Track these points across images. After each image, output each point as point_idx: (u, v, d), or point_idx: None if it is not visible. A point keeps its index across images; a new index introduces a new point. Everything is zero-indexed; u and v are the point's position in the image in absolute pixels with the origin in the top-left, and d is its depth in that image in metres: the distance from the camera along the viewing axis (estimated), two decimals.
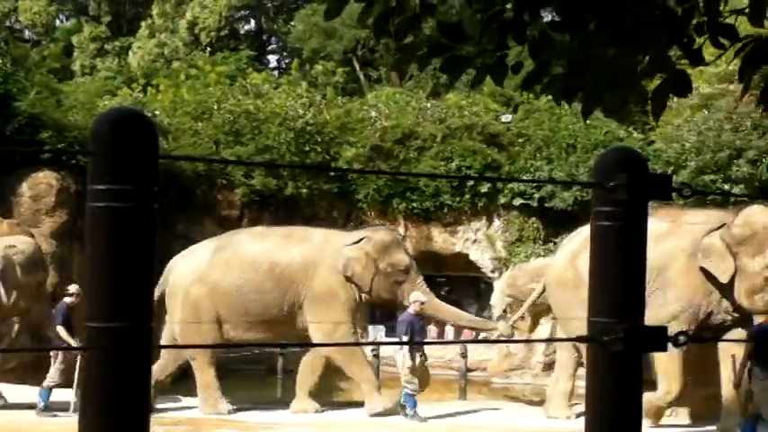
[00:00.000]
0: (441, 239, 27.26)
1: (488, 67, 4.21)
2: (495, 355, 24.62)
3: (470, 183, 26.19)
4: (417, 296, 16.48)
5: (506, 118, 29.04)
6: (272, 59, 52.01)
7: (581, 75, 3.99)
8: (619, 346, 2.40)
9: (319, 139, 27.27)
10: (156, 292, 17.65)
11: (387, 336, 23.70)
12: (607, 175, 2.45)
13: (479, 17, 4.16)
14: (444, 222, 27.02)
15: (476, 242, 27.07)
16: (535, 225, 26.19)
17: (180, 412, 16.62)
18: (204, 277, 17.12)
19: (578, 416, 15.79)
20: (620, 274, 2.47)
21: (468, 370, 21.70)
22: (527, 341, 23.15)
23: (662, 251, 15.30)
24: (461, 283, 29.53)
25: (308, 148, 27.00)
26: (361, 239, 17.24)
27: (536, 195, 25.75)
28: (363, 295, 17.04)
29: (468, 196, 26.51)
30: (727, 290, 15.05)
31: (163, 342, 17.08)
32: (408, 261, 17.42)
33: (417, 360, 16.27)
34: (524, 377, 24.17)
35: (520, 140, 27.73)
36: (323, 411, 17.00)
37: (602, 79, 3.96)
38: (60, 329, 16.12)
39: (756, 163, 23.02)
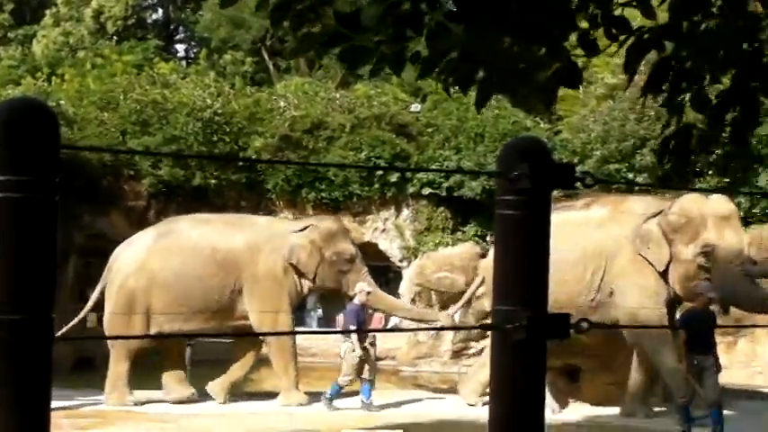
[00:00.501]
0: (350, 229, 27.26)
1: (387, 57, 4.22)
2: (403, 343, 24.70)
3: (379, 172, 26.23)
4: (363, 286, 16.44)
5: (415, 108, 29.14)
6: (180, 49, 51.56)
7: (474, 64, 4.02)
8: (522, 334, 2.42)
9: (228, 129, 27.09)
10: (101, 284, 17.51)
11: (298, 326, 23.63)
12: (510, 165, 2.47)
13: (377, 7, 4.17)
14: (353, 212, 27.02)
15: (385, 231, 27.13)
16: (444, 214, 26.32)
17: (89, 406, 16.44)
18: (144, 266, 16.90)
19: (485, 404, 15.94)
20: (523, 262, 2.50)
21: (377, 359, 21.74)
22: (437, 329, 23.28)
23: (606, 237, 15.49)
24: (370, 272, 29.53)
25: (216, 138, 26.80)
26: (307, 227, 17.10)
27: (444, 185, 25.88)
28: (307, 284, 16.94)
29: (377, 186, 26.56)
30: (664, 277, 15.24)
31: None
32: (354, 250, 17.31)
33: (362, 350, 16.19)
34: (432, 365, 24.30)
35: (428, 130, 27.85)
36: (234, 401, 16.91)
37: (495, 69, 4.00)
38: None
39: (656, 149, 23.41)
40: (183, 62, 45.83)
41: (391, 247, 27.16)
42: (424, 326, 19.44)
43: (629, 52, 3.97)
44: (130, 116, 27.30)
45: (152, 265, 16.87)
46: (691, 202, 15.34)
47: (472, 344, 23.58)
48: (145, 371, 17.34)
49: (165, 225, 18.16)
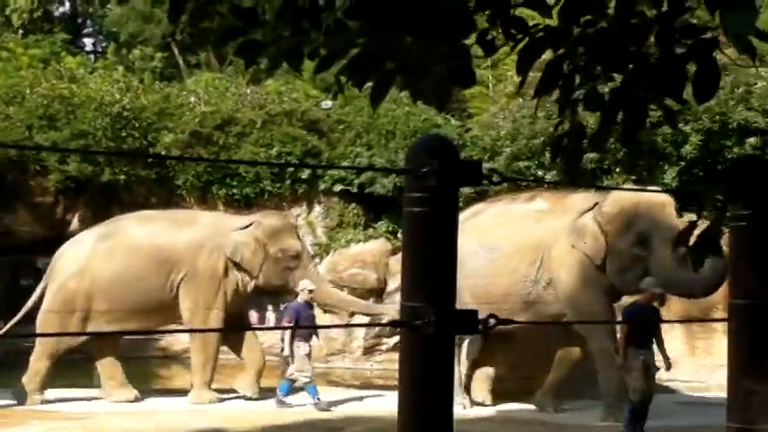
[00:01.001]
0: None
1: (285, 52, 4.22)
2: (315, 339, 24.67)
3: (291, 169, 26.18)
4: (306, 284, 16.15)
5: (326, 104, 29.09)
6: (88, 43, 50.81)
7: (370, 62, 4.03)
8: (430, 330, 2.44)
9: (137, 125, 26.79)
10: (43, 283, 17.23)
11: None
12: (418, 163, 2.49)
13: (275, 2, 4.17)
14: (264, 208, 26.89)
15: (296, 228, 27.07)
16: (355, 211, 26.34)
17: None
18: (85, 269, 16.64)
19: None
20: (430, 259, 2.52)
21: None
22: (348, 326, 23.32)
23: (544, 230, 15.50)
24: None
25: (125, 134, 26.49)
26: (251, 224, 16.88)
27: (356, 181, 25.90)
28: (252, 282, 16.74)
29: (288, 182, 26.48)
30: (602, 270, 15.09)
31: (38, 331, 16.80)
32: (300, 247, 17.11)
33: (308, 348, 16.06)
34: (345, 361, 24.33)
35: (340, 127, 27.84)
36: (141, 399, 16.76)
37: (391, 67, 4.02)
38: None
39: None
40: (91, 56, 45.20)
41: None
42: (364, 320, 19.50)
43: (520, 54, 4.01)
44: (37, 111, 26.86)
45: (94, 266, 16.64)
46: (623, 194, 15.28)
47: (384, 340, 23.66)
48: (66, 369, 17.16)
49: (111, 223, 17.90)
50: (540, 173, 24.19)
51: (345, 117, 28.15)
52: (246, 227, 16.78)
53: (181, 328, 17.30)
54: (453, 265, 2.56)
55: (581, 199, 15.73)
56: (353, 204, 26.33)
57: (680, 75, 3.51)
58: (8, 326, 16.86)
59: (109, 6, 46.82)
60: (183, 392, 17.02)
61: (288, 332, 15.97)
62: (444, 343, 2.51)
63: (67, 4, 50.05)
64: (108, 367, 17.08)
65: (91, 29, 51.37)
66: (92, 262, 16.67)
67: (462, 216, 16.63)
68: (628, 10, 3.54)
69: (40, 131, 26.46)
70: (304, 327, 16.58)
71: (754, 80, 23.24)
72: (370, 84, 4.16)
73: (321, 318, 19.36)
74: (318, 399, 15.95)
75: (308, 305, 16.24)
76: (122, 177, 26.03)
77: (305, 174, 26.30)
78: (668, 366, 13.44)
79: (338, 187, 26.20)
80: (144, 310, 16.55)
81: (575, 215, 15.45)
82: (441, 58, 3.97)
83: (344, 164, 26.57)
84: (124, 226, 17.36)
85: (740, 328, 3.17)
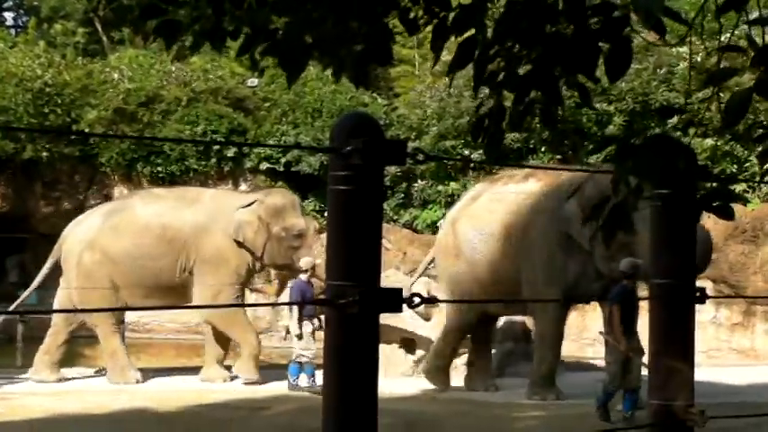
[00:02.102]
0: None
1: (206, 32, 4.19)
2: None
3: (216, 147, 26.04)
4: (307, 261, 15.77)
5: (252, 82, 28.95)
6: (9, 17, 49.90)
7: (290, 41, 4.02)
8: (354, 309, 2.45)
9: (59, 101, 26.47)
10: (50, 260, 16.97)
11: None
12: (342, 141, 2.49)
13: None
14: (190, 186, 26.77)
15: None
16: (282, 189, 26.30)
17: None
18: (94, 244, 16.41)
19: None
20: (355, 238, 2.52)
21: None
22: (273, 304, 23.19)
23: (532, 212, 14.94)
24: None
25: (47, 111, 26.15)
26: (253, 202, 16.54)
27: (282, 160, 25.88)
28: (257, 261, 16.50)
29: (213, 160, 26.39)
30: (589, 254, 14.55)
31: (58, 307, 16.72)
32: (303, 225, 16.65)
33: (311, 327, 15.66)
34: (272, 340, 24.27)
35: (266, 105, 27.78)
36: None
37: (304, 44, 4.00)
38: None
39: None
40: (12, 31, 44.40)
41: None
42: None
43: (433, 32, 4.01)
44: None
45: (102, 242, 16.44)
46: (605, 177, 14.81)
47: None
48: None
49: (116, 203, 17.72)
50: (466, 152, 24.34)
51: (271, 95, 28.08)
52: (249, 205, 16.46)
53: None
54: (378, 244, 2.57)
55: (568, 180, 14.98)
56: (280, 183, 26.26)
57: (592, 53, 3.52)
58: (18, 302, 16.80)
59: None
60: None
61: (294, 311, 15.65)
62: (369, 322, 2.52)
63: None
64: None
65: (11, 2, 50.47)
66: (99, 238, 16.51)
67: (463, 201, 16.63)
68: None
69: None
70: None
71: (676, 61, 23.57)
72: (288, 62, 4.15)
73: (247, 296, 19.24)
74: (314, 380, 15.43)
75: (311, 283, 15.72)
76: (45, 155, 25.71)
77: (231, 152, 26.21)
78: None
79: (264, 165, 26.15)
80: (158, 290, 16.32)
81: (561, 198, 14.80)
82: (360, 36, 3.96)
83: (270, 142, 26.51)
84: (130, 204, 17.16)
85: (660, 308, 3.21)
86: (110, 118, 26.45)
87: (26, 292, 17.35)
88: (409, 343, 17.11)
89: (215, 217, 16.49)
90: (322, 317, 15.56)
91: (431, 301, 2.73)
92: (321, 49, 4.03)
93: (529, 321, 17.17)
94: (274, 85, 28.62)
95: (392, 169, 23.91)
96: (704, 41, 4.76)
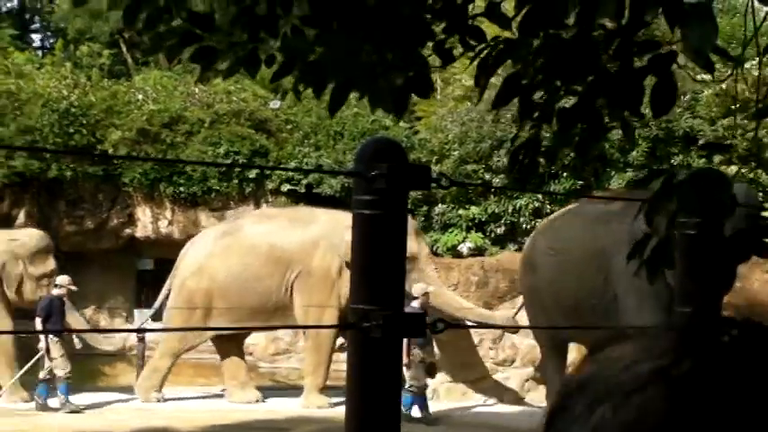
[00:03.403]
0: (208, 224, 26.97)
1: (241, 59, 4.22)
2: (262, 339, 24.63)
3: (238, 168, 26.10)
4: (420, 288, 15.46)
5: (274, 104, 29.02)
6: (36, 39, 50.29)
7: (328, 69, 4.03)
8: (377, 333, 2.46)
9: (84, 122, 26.60)
10: (169, 280, 17.33)
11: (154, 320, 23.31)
12: (367, 165, 2.51)
13: (231, 8, 4.16)
14: (212, 207, 26.82)
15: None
16: None
17: None
18: (203, 268, 16.53)
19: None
20: (379, 262, 2.53)
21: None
22: (293, 327, 23.26)
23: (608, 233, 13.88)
24: None
25: (72, 130, 26.29)
26: None
27: (304, 181, 25.89)
28: None
29: (236, 182, 26.42)
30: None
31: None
32: (416, 249, 16.01)
33: (420, 356, 15.25)
34: (291, 361, 24.28)
35: (288, 127, 27.81)
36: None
37: (349, 75, 4.02)
38: (37, 322, 15.36)
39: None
40: (39, 52, 44.72)
41: None
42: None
43: (479, 67, 4.02)
44: None
45: (212, 265, 16.50)
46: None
47: None
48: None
49: (231, 222, 17.79)
50: (487, 176, 24.32)
51: (293, 117, 28.13)
52: None
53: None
54: (402, 268, 2.58)
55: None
56: (301, 204, 26.29)
57: (638, 88, 3.53)
58: (141, 323, 16.93)
59: (56, 2, 46.38)
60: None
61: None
62: (392, 346, 2.53)
63: (15, 0, 49.54)
64: (231, 367, 16.99)
65: (39, 25, 50.85)
66: (209, 261, 16.57)
67: (552, 216, 16.40)
68: (588, 23, 3.56)
69: None
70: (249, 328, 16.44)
71: (701, 89, 23.53)
72: (323, 90, 4.17)
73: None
74: (411, 410, 15.01)
75: (426, 311, 14.88)
76: (69, 174, 25.84)
77: (253, 173, 26.25)
78: None
79: (286, 187, 26.16)
80: (261, 310, 16.22)
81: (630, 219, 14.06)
82: (398, 66, 3.98)
83: (292, 164, 26.55)
84: (242, 224, 17.19)
85: None
86: (133, 138, 26.55)
87: (149, 311, 17.93)
88: (430, 366, 17.08)
89: (325, 237, 16.20)
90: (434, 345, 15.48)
91: (454, 326, 2.73)
92: (360, 80, 4.04)
93: None
94: (296, 108, 28.68)
95: (413, 193, 23.90)
96: (737, 73, 4.74)
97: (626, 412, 0.82)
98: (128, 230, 26.38)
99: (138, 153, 26.38)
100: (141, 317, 24.00)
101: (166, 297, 17.15)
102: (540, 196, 23.42)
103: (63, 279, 16.12)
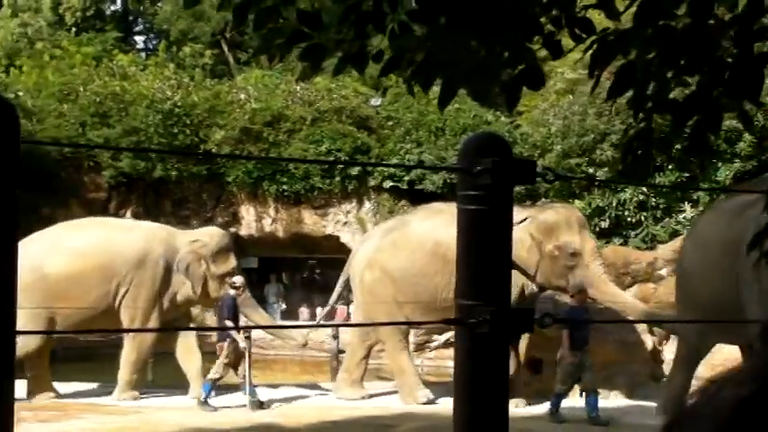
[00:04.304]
0: (311, 221, 27.25)
1: (349, 55, 4.22)
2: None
3: (340, 165, 26.22)
4: (577, 285, 15.05)
5: (375, 101, 29.11)
6: (139, 41, 51.17)
7: (437, 65, 4.02)
8: (485, 329, 2.43)
9: (188, 122, 26.99)
10: (341, 278, 17.69)
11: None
12: (472, 160, 2.48)
13: (339, 6, 4.17)
14: (314, 205, 27.01)
15: (346, 224, 27.12)
16: (405, 207, 26.31)
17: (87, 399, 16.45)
18: (373, 261, 16.67)
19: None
20: (485, 257, 2.51)
21: (340, 351, 21.75)
22: (401, 323, 23.28)
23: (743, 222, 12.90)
24: (332, 264, 29.59)
25: (176, 131, 26.70)
26: (525, 219, 15.63)
27: (406, 178, 25.92)
28: (530, 281, 15.78)
29: (338, 179, 26.55)
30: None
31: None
32: (579, 243, 15.69)
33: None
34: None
35: (389, 124, 27.87)
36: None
37: (458, 70, 4.00)
38: (227, 323, 15.60)
39: (619, 147, 23.56)
40: (143, 54, 45.50)
41: (353, 240, 27.14)
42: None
43: (593, 57, 3.97)
44: (89, 108, 27.15)
45: (381, 258, 16.62)
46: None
47: (435, 336, 23.61)
48: (98, 363, 17.25)
49: (398, 219, 17.90)
50: (590, 170, 24.08)
51: (395, 114, 28.18)
52: (521, 222, 15.34)
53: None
54: (508, 263, 2.55)
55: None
56: (403, 201, 26.33)
57: (757, 77, 3.45)
58: (318, 319, 18.38)
59: (159, 4, 47.16)
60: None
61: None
62: (499, 342, 2.50)
63: (119, 2, 50.44)
64: (352, 362, 17.33)
65: (142, 26, 51.74)
66: (377, 255, 16.67)
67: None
68: (704, 12, 3.48)
69: (93, 128, 26.73)
70: (342, 325, 16.49)
71: None
72: (431, 86, 4.15)
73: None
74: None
75: (586, 308, 14.93)
76: (174, 173, 26.25)
77: (355, 170, 26.35)
78: None
79: (388, 184, 26.22)
80: (432, 307, 15.83)
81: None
82: (508, 61, 3.95)
83: (394, 160, 26.59)
84: (409, 219, 17.26)
85: None
86: (236, 137, 26.85)
87: (324, 310, 18.38)
88: (536, 362, 16.94)
89: None
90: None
91: (561, 321, 2.70)
92: (470, 76, 4.02)
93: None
94: (397, 104, 28.73)
95: (516, 188, 23.76)
96: None
97: None
98: (232, 229, 26.73)
99: (240, 152, 26.67)
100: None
101: (339, 293, 17.54)
102: (644, 189, 23.10)
103: (239, 279, 16.31)
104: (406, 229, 16.69)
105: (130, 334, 16.86)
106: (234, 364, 15.73)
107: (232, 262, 17.16)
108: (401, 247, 16.38)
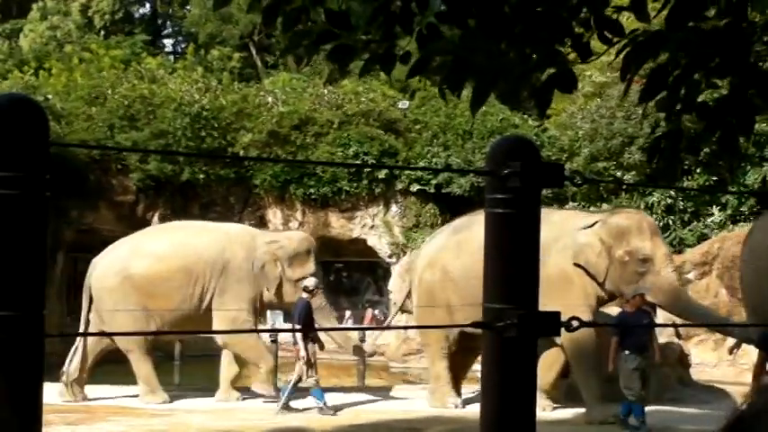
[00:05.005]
0: (338, 225, 27.29)
1: (377, 56, 4.22)
2: (392, 339, 24.72)
3: (368, 169, 26.27)
4: (633, 289, 14.62)
5: (403, 104, 29.14)
6: (168, 44, 51.47)
7: (466, 67, 4.00)
8: (513, 332, 2.42)
9: (216, 125, 27.09)
10: (408, 277, 17.79)
11: (285, 321, 23.57)
12: (500, 163, 2.47)
13: (367, 7, 4.17)
14: (342, 208, 27.05)
15: (373, 228, 27.16)
16: (432, 211, 26.34)
17: (114, 401, 16.53)
18: (435, 261, 16.50)
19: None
20: (513, 261, 2.50)
21: (370, 354, 21.70)
22: (428, 327, 23.25)
23: None
24: (359, 268, 29.67)
25: (204, 134, 26.80)
26: (595, 223, 15.34)
27: (433, 181, 25.91)
28: (599, 286, 15.22)
29: (365, 182, 26.57)
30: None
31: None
32: (650, 249, 15.17)
33: (635, 363, 14.39)
34: (421, 361, 24.28)
35: (416, 127, 27.88)
36: (243, 399, 16.76)
37: (489, 74, 3.98)
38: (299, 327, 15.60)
39: (646, 149, 23.48)
40: (171, 57, 45.75)
41: (380, 243, 27.18)
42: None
43: (625, 60, 3.94)
44: (118, 111, 27.29)
45: (443, 258, 16.41)
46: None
47: None
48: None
49: (464, 219, 17.62)
50: (618, 174, 24.00)
51: (422, 117, 28.19)
52: (590, 226, 15.20)
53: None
54: (536, 266, 2.54)
55: None
56: (430, 204, 26.34)
57: None
58: (390, 318, 18.07)
59: (188, 7, 47.37)
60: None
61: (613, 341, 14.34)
62: (527, 345, 2.49)
63: (148, 6, 50.75)
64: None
65: (170, 30, 52.02)
66: (440, 255, 16.48)
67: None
68: (737, 16, 3.46)
69: (122, 131, 26.86)
70: (381, 328, 16.44)
71: None
72: (461, 89, 4.14)
73: (398, 317, 19.32)
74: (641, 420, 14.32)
75: (648, 312, 14.69)
76: (201, 176, 26.34)
77: (382, 173, 26.36)
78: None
79: (415, 187, 26.22)
80: None
81: None
82: (538, 64, 3.93)
83: (421, 164, 26.60)
84: (475, 220, 17.11)
85: None
86: (264, 141, 26.91)
87: (394, 312, 18.39)
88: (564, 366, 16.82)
89: (557, 238, 15.05)
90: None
91: (589, 325, 2.69)
92: (501, 79, 4.00)
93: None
94: (425, 108, 28.75)
95: (543, 191, 23.70)
96: None
97: None
98: None
99: (268, 155, 26.73)
100: (273, 317, 24.24)
101: (407, 295, 17.44)
102: (672, 193, 22.99)
103: (310, 282, 16.11)
104: (470, 229, 16.24)
105: (225, 343, 16.83)
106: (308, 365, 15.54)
107: (310, 267, 16.97)
108: (464, 249, 15.76)
